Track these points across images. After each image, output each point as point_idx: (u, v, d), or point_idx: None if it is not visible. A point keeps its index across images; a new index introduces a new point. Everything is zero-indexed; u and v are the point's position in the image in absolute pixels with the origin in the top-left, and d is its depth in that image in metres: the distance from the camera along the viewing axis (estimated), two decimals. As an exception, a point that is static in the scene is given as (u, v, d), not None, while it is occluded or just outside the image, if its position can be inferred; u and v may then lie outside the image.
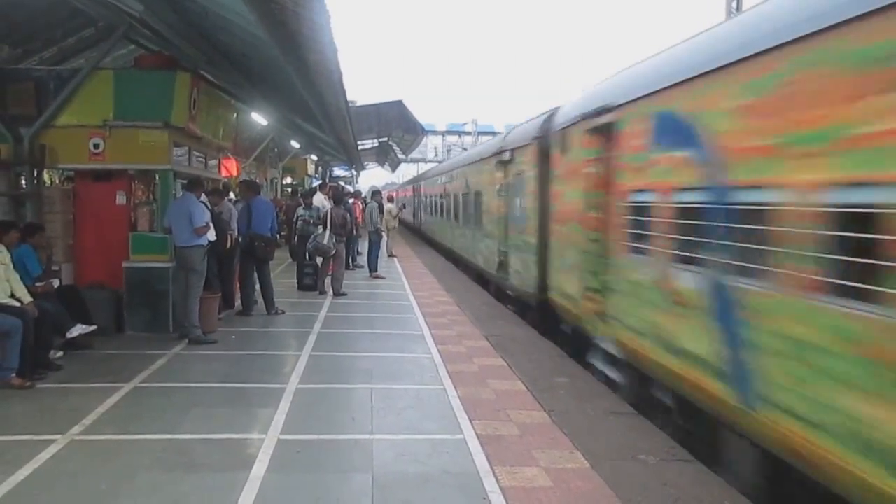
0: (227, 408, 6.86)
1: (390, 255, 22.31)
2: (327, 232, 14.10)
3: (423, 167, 57.85)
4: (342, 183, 34.80)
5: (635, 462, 5.75)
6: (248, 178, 17.48)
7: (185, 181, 10.92)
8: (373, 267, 17.92)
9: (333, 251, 14.25)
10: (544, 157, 11.24)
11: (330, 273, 14.54)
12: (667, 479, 5.41)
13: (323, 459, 5.63)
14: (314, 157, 31.67)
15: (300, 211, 16.31)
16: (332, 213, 14.37)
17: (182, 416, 6.51)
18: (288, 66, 8.90)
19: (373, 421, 6.56)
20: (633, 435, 6.44)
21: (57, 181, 12.55)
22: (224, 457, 5.61)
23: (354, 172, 50.46)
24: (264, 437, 5.97)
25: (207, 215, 9.95)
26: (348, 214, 15.23)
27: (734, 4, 17.77)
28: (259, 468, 5.33)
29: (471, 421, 6.56)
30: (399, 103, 28.61)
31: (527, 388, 7.80)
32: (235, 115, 14.21)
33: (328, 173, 38.78)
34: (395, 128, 32.22)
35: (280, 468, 5.38)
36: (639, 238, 7.19)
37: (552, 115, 11.28)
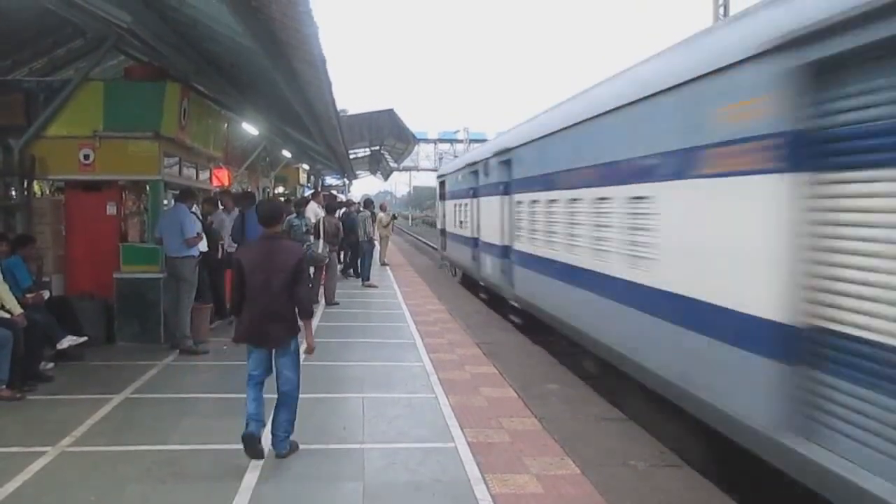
0: (218, 418, 6.86)
1: (382, 264, 22.31)
2: (321, 241, 14.11)
3: (416, 175, 58.12)
4: (334, 192, 34.78)
5: (626, 468, 5.78)
6: (240, 189, 17.46)
7: (176, 192, 10.92)
8: (365, 276, 17.93)
9: (327, 260, 14.26)
10: None
11: (322, 282, 14.54)
12: (657, 484, 5.44)
13: (314, 469, 5.64)
14: (306, 167, 31.63)
15: (292, 220, 16.26)
16: (324, 222, 14.38)
17: (173, 427, 6.51)
18: (277, 76, 8.92)
19: (364, 430, 6.57)
20: (623, 440, 6.47)
21: (47, 192, 12.53)
22: (215, 467, 5.61)
23: (347, 181, 50.43)
24: (255, 447, 5.96)
25: (199, 226, 9.95)
26: (341, 224, 15.22)
27: (721, 9, 17.95)
28: (250, 478, 5.33)
29: (462, 429, 6.58)
30: (390, 112, 28.64)
31: (518, 395, 7.82)
32: (226, 124, 14.23)
33: (320, 182, 38.75)
34: (387, 136, 32.27)
35: (271, 478, 5.38)
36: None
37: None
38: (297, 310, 5.80)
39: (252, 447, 5.65)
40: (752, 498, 5.55)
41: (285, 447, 5.79)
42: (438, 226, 25.60)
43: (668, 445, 6.37)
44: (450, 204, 20.87)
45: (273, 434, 5.82)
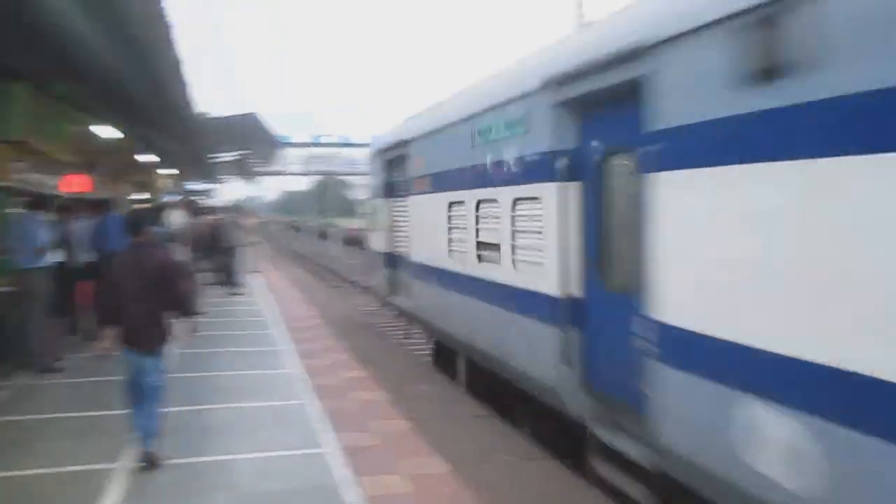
0: (78, 439, 6.56)
1: (251, 271, 21.84)
2: (184, 248, 13.72)
3: (285, 179, 57.21)
4: (195, 198, 33.72)
5: (495, 463, 6.02)
6: (103, 196, 16.65)
7: (27, 199, 10.28)
8: (232, 283, 17.52)
9: (191, 268, 13.87)
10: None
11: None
12: (525, 478, 5.71)
13: (183, 482, 5.53)
14: (169, 171, 30.50)
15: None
16: (190, 229, 13.99)
17: (27, 451, 6.17)
18: (134, 76, 8.66)
19: (234, 440, 6.49)
20: (492, 437, 6.73)
21: None
22: (76, 490, 5.38)
23: (213, 186, 48.92)
24: (116, 467, 5.76)
25: (51, 234, 9.42)
26: (210, 231, 14.84)
27: (581, 11, 18.93)
28: (116, 498, 5.17)
29: (335, 433, 6.63)
30: (252, 115, 28.00)
31: (389, 398, 7.95)
32: (83, 128, 13.52)
33: (184, 188, 37.43)
34: (250, 140, 31.55)
35: (139, 496, 5.23)
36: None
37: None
38: (179, 309, 5.94)
39: (153, 459, 5.77)
40: (608, 485, 5.91)
41: (151, 445, 5.75)
42: (379, 246, 12.34)
43: (534, 440, 6.68)
44: (422, 202, 9.67)
45: (139, 430, 5.77)
